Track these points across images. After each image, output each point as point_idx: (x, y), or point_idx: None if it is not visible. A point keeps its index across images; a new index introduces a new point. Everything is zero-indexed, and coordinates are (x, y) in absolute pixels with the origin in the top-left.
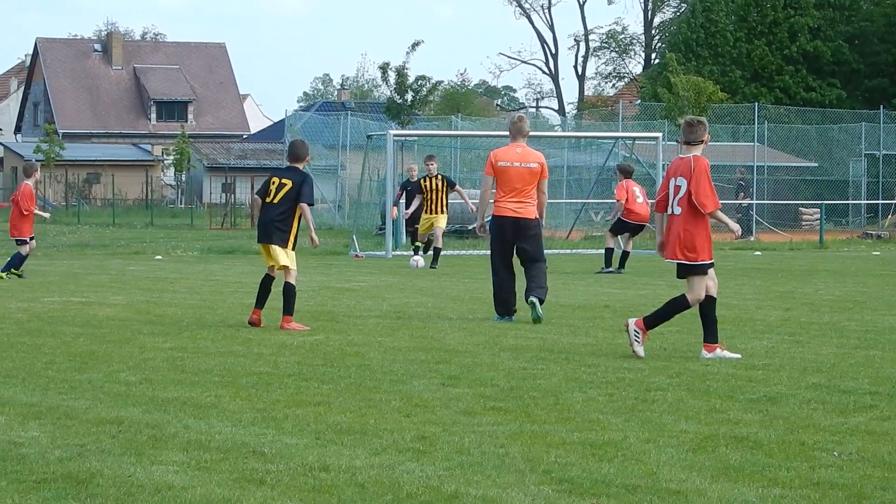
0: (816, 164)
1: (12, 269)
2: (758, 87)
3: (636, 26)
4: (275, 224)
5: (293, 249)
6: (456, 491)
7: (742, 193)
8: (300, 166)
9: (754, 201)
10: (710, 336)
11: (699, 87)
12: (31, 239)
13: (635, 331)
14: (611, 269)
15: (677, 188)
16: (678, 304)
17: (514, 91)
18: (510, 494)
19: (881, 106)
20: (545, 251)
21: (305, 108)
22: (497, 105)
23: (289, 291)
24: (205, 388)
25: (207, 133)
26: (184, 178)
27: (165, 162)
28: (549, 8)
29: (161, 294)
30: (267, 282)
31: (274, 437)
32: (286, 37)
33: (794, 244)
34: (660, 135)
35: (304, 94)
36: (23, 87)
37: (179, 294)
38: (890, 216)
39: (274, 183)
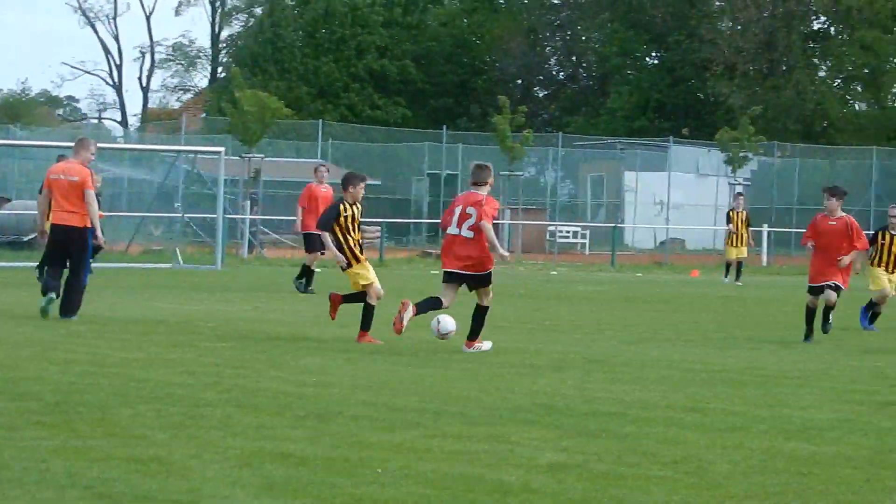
0: (379, 183)
1: None
2: (324, 103)
3: (204, 39)
4: None
5: None
6: None
7: (255, 207)
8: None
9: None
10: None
11: (264, 103)
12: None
13: (476, 348)
14: None
15: (468, 215)
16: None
17: (77, 101)
18: None
19: (444, 126)
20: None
21: None
22: (59, 115)
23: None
24: None
25: None
26: None
27: None
28: (114, 18)
29: None
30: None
31: None
32: None
33: None
34: (223, 149)
35: None
36: None
37: None
38: None
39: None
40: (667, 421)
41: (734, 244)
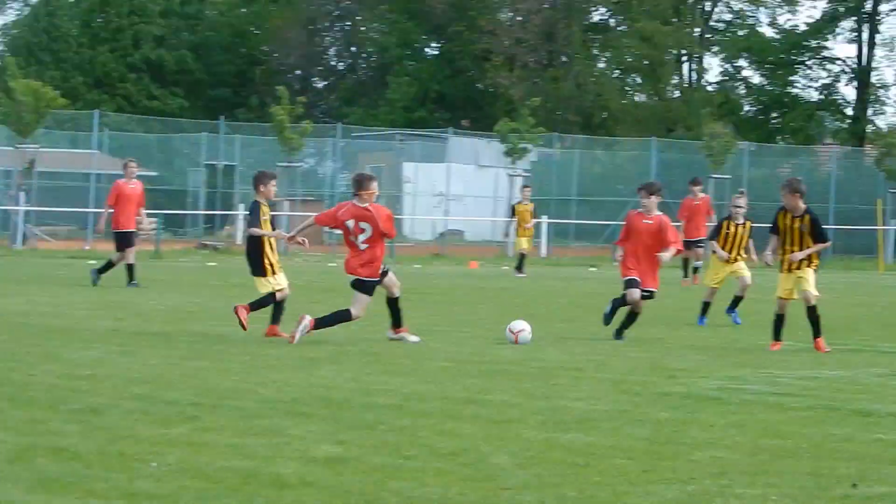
0: (156, 174)
1: None
2: (100, 93)
3: None
4: None
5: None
6: None
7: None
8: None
9: (91, 209)
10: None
11: (38, 93)
12: None
13: (305, 326)
14: None
15: (361, 230)
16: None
17: None
18: None
19: (222, 117)
20: None
21: None
22: None
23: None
24: None
25: None
26: None
27: None
28: None
29: None
30: None
31: None
32: None
33: None
34: None
35: None
36: None
37: None
38: (226, 227)
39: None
40: (444, 413)
41: (523, 235)
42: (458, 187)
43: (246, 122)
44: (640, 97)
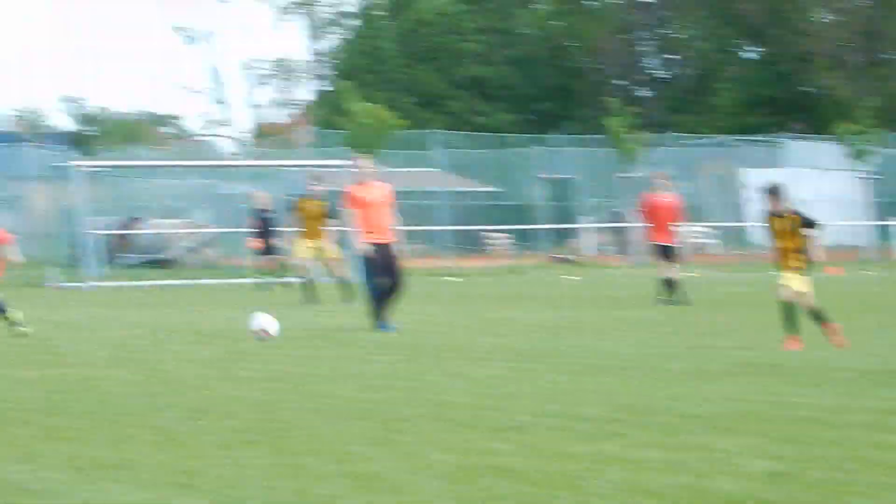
0: (496, 189)
1: None
2: (429, 112)
3: (304, 53)
4: None
5: None
6: None
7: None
8: None
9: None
10: None
11: (379, 116)
12: None
13: None
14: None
15: None
16: None
17: (182, 119)
18: None
19: (551, 130)
20: None
21: None
22: (169, 134)
23: None
24: None
25: None
26: None
27: None
28: (214, 36)
29: None
30: None
31: (35, 473)
32: None
33: (486, 270)
34: (345, 162)
35: None
36: None
37: None
38: (574, 239)
39: None
40: (872, 426)
41: None
42: (804, 192)
43: (572, 134)
44: None
